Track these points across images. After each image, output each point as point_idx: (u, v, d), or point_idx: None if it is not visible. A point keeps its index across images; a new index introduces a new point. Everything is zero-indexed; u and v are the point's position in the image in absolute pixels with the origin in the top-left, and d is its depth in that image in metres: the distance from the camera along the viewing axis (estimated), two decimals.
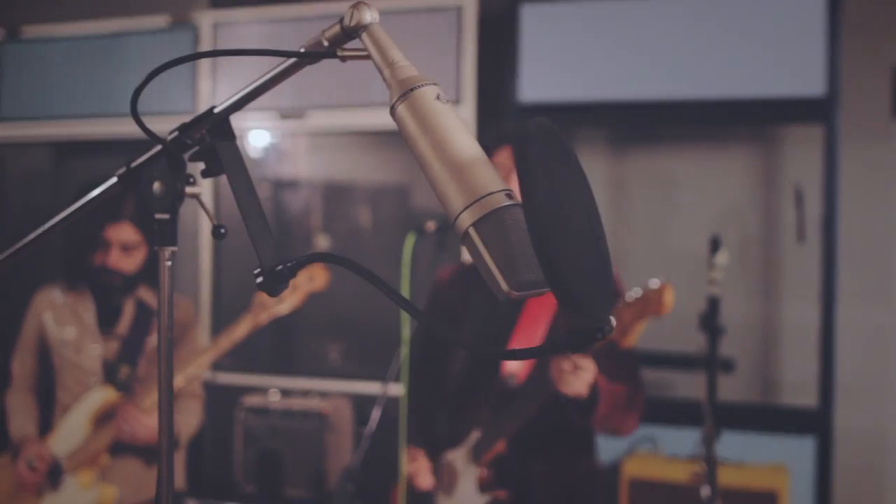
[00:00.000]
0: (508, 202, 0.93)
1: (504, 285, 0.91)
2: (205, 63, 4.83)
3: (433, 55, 4.30)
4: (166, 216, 1.26)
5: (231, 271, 4.85)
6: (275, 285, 1.15)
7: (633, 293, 2.58)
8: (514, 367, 2.78)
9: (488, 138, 2.98)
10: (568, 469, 2.85)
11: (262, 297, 3.15)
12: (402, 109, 1.00)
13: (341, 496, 2.59)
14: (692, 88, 4.07)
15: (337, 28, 1.09)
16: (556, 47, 4.26)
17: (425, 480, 2.87)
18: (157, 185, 1.26)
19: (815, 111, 3.94)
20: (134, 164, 1.28)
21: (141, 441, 3.14)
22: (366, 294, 4.76)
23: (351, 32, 1.08)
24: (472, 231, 0.92)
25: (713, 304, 3.12)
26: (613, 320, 0.92)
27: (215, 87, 4.79)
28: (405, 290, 2.69)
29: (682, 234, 4.40)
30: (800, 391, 4.21)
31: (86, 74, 5.13)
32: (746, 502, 3.74)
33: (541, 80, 4.27)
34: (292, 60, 1.14)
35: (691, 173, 4.45)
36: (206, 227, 4.84)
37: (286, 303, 3.17)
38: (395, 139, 4.78)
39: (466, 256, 4.21)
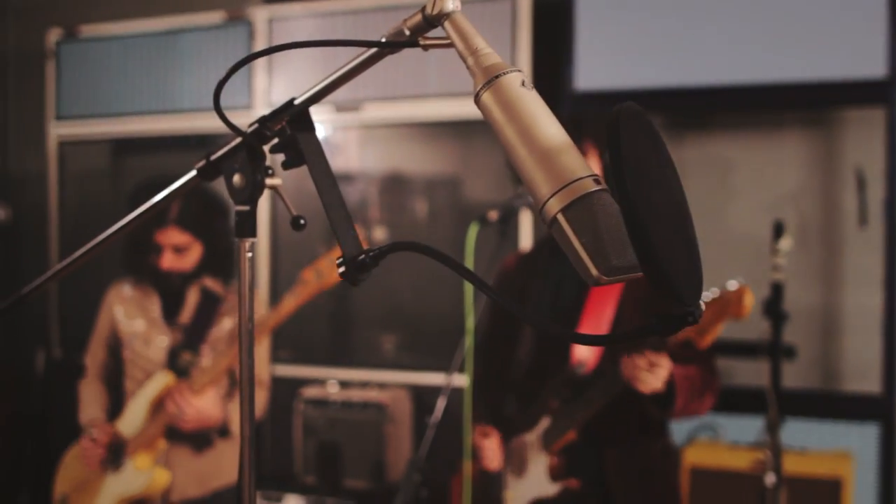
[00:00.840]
0: (596, 187, 0.93)
1: (594, 270, 0.91)
2: (260, 59, 4.87)
3: (488, 43, 4.28)
4: (246, 208, 1.27)
5: (286, 262, 4.89)
6: (356, 274, 1.15)
7: (710, 293, 2.55)
8: (584, 355, 2.78)
9: None
10: (642, 455, 2.84)
11: (307, 274, 3.16)
12: (487, 97, 1.00)
13: (407, 486, 2.61)
14: (749, 73, 4.03)
15: (419, 17, 1.09)
16: (612, 34, 4.24)
17: (494, 460, 2.88)
18: (237, 178, 1.27)
19: (877, 93, 3.88)
20: (213, 157, 1.29)
21: (188, 423, 3.17)
22: (421, 285, 4.77)
23: (433, 21, 1.08)
24: (560, 217, 0.92)
25: (777, 290, 3.10)
26: (703, 305, 0.92)
27: (271, 83, 4.82)
28: (468, 283, 2.70)
29: (741, 220, 4.36)
30: (863, 377, 4.16)
31: (142, 72, 5.19)
32: (810, 489, 3.70)
33: (596, 67, 4.25)
34: (372, 51, 1.15)
35: (749, 159, 4.41)
36: (263, 219, 4.89)
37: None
38: (449, 130, 4.78)
39: (527, 244, 4.21)
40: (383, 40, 1.13)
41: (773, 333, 3.14)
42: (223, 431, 3.25)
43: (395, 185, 4.94)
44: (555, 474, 2.80)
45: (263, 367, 3.45)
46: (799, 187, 4.31)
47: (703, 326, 2.52)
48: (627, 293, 2.80)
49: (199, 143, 5.15)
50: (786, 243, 3.08)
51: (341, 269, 1.15)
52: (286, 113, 1.23)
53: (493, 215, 2.74)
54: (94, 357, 3.53)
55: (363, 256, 1.15)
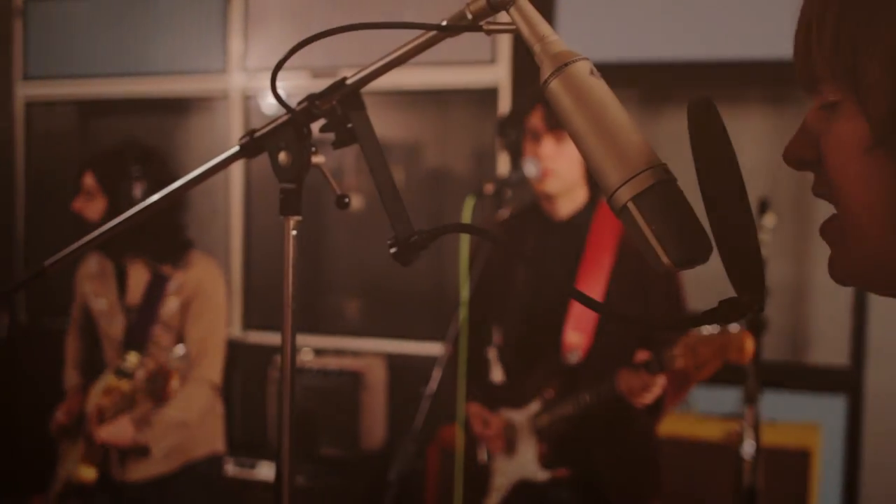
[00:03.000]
0: (666, 176, 0.95)
1: (665, 259, 0.93)
2: (236, 23, 4.81)
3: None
4: (292, 185, 1.27)
5: (260, 250, 4.88)
6: (409, 255, 1.16)
7: (710, 328, 2.58)
8: (576, 342, 2.82)
9: (522, 100, 3.00)
10: (630, 445, 2.92)
11: None
12: (555, 84, 1.00)
13: (403, 456, 2.63)
14: (724, 49, 4.07)
15: (483, 1, 1.10)
16: (591, 7, 4.25)
17: (498, 445, 2.93)
18: (283, 156, 1.27)
19: None
20: (258, 134, 1.29)
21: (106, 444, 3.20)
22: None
23: (497, 6, 1.08)
24: (630, 205, 0.94)
25: None
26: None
27: (247, 47, 4.77)
28: (464, 255, 2.72)
29: None
30: (832, 350, 4.25)
31: (113, 32, 5.12)
32: (780, 460, 3.78)
33: (575, 40, 4.26)
34: (431, 34, 1.15)
35: None
36: (237, 205, 4.87)
37: None
38: (426, 98, 4.78)
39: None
40: (444, 24, 1.13)
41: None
42: (142, 451, 3.20)
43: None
44: (545, 462, 2.85)
45: (217, 339, 3.36)
46: (769, 162, 4.36)
47: (700, 361, 2.56)
48: (617, 271, 2.85)
49: (170, 107, 5.10)
50: (770, 220, 3.13)
51: (393, 250, 1.16)
52: (337, 92, 1.23)
53: (490, 188, 2.75)
54: (75, 314, 3.54)
55: (415, 237, 1.16)
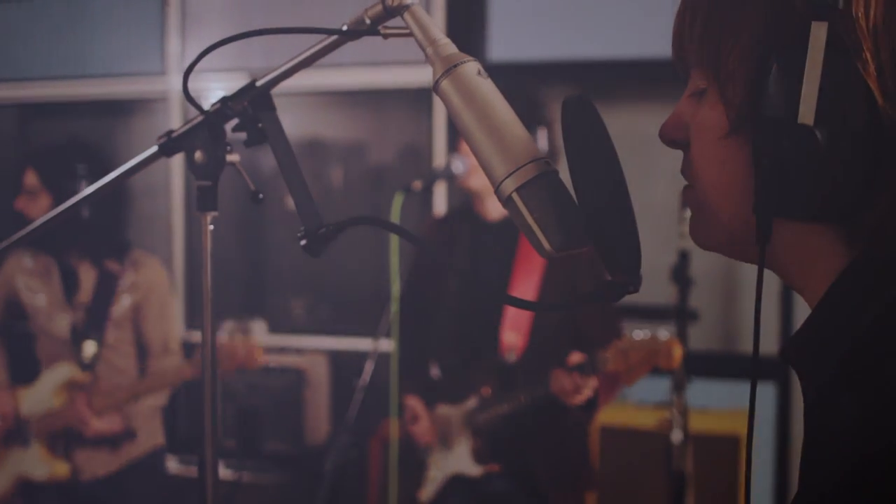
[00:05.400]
0: (548, 168, 1.03)
1: (546, 245, 1.00)
2: (173, 23, 4.84)
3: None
4: (208, 183, 1.34)
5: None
6: (318, 246, 1.23)
7: (642, 333, 2.69)
8: (512, 342, 2.91)
9: None
10: (562, 438, 3.01)
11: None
12: (446, 84, 1.08)
13: (338, 447, 2.70)
14: (657, 47, 4.16)
15: (379, 7, 1.17)
16: (524, 7, 4.33)
17: (426, 437, 3.00)
18: (198, 154, 1.33)
19: None
20: (175, 134, 1.35)
21: (89, 435, 3.19)
22: (337, 251, 4.83)
23: (393, 11, 1.16)
24: (514, 196, 1.01)
25: (684, 257, 3.25)
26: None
27: (184, 48, 4.80)
28: (395, 249, 2.79)
29: (653, 190, 4.51)
30: (761, 340, 4.35)
31: (51, 36, 5.11)
32: (711, 446, 3.88)
33: (509, 39, 4.35)
34: (333, 38, 1.22)
35: (656, 130, 4.55)
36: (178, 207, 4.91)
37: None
38: (362, 98, 4.84)
39: (440, 211, 4.31)
40: (345, 28, 1.20)
41: (679, 298, 3.29)
42: (129, 435, 3.25)
43: (306, 152, 4.98)
44: (478, 457, 2.93)
45: (174, 335, 3.44)
46: None
47: (631, 366, 2.66)
48: (550, 270, 2.93)
49: (110, 109, 5.11)
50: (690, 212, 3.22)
51: (303, 242, 1.23)
52: (247, 94, 1.30)
53: (417, 185, 2.83)
54: None
55: (323, 229, 1.22)
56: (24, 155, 3.38)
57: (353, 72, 4.58)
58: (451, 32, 3.96)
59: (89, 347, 3.25)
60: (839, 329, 0.84)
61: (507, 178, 1.02)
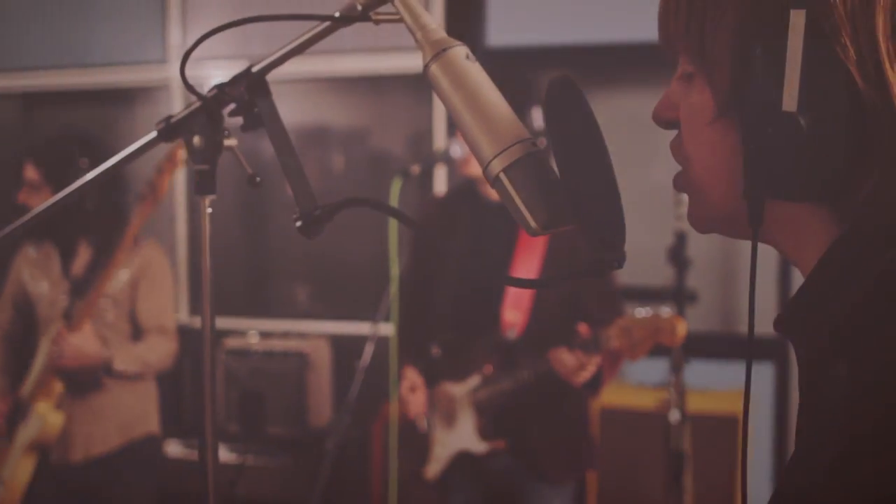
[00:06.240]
0: (534, 149, 1.06)
1: (532, 223, 1.03)
2: (174, 12, 4.87)
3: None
4: (206, 167, 1.37)
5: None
6: (313, 228, 1.26)
7: (644, 311, 2.72)
8: (513, 320, 2.94)
9: None
10: (564, 415, 3.05)
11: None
12: (435, 68, 1.11)
13: (338, 428, 2.74)
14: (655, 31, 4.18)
15: None
16: None
17: (418, 407, 3.03)
18: (196, 139, 1.36)
19: None
20: (174, 119, 1.39)
21: (67, 360, 3.17)
22: (338, 236, 4.87)
23: None
24: (502, 175, 1.04)
25: (681, 239, 3.29)
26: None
27: (185, 36, 4.83)
28: (393, 232, 2.82)
29: (651, 173, 4.54)
30: (759, 321, 4.37)
31: (52, 24, 5.14)
32: (710, 426, 3.92)
33: (508, 24, 4.37)
34: (325, 24, 1.25)
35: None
36: (181, 193, 4.94)
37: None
38: (363, 85, 4.87)
39: (440, 191, 4.34)
40: (337, 15, 1.23)
41: (677, 279, 3.33)
42: (107, 370, 3.23)
43: (308, 138, 5.02)
44: (483, 434, 2.97)
45: (169, 315, 3.45)
46: None
47: (634, 342, 2.69)
48: (552, 249, 2.97)
49: (111, 98, 5.14)
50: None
51: (298, 224, 1.26)
52: (243, 79, 1.33)
53: (416, 169, 2.86)
54: (2, 311, 3.53)
55: (318, 211, 1.26)
56: (24, 148, 3.38)
57: (354, 58, 4.61)
58: (450, 18, 4.02)
59: (73, 303, 3.26)
60: (831, 298, 0.86)
61: (494, 158, 1.05)
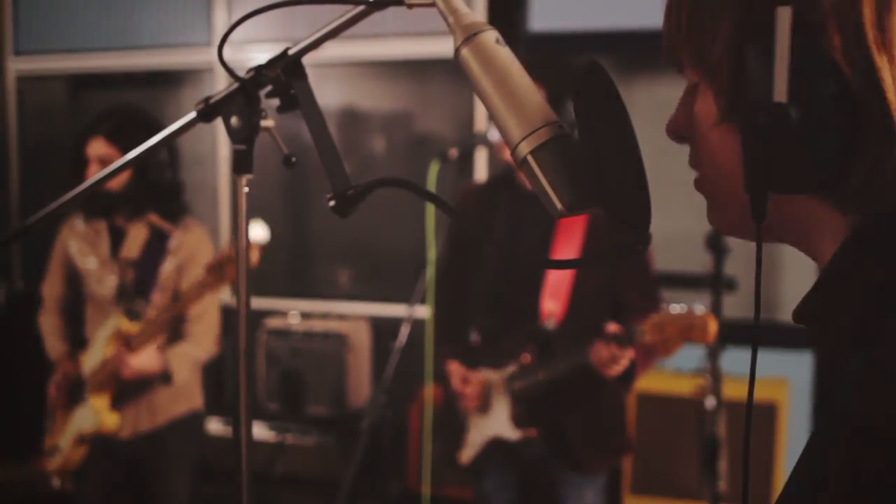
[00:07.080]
0: (561, 132, 1.08)
1: (559, 205, 1.05)
2: None
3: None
4: (243, 147, 1.40)
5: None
6: (346, 207, 1.29)
7: (678, 307, 2.73)
8: (552, 310, 2.96)
9: None
10: (598, 406, 3.06)
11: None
12: (465, 52, 1.13)
13: (374, 407, 2.77)
14: None
15: None
16: None
17: (474, 401, 3.05)
18: (234, 119, 1.40)
19: None
20: (213, 100, 1.42)
21: (127, 378, 3.26)
22: (378, 219, 4.91)
23: None
24: (529, 158, 1.06)
25: None
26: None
27: (230, 19, 4.88)
28: (430, 216, 2.85)
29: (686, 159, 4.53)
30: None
31: (102, 7, 5.21)
32: None
33: (550, 9, 4.37)
34: (360, 8, 1.28)
35: None
36: (224, 175, 4.99)
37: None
38: (404, 68, 4.89)
39: (480, 178, 4.36)
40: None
41: (715, 266, 3.32)
42: (165, 378, 3.30)
43: (351, 122, 5.05)
44: (517, 421, 3.00)
45: (216, 297, 3.47)
46: None
47: (667, 338, 2.71)
48: (590, 238, 2.98)
49: (157, 80, 5.20)
50: None
51: (332, 203, 1.29)
52: (280, 62, 1.36)
53: (454, 153, 2.88)
54: (52, 289, 3.58)
55: (351, 191, 1.29)
56: (87, 126, 3.37)
57: (398, 42, 4.63)
58: (493, 2, 4.03)
59: (139, 301, 3.33)
60: (847, 291, 0.88)
61: (521, 140, 1.07)
